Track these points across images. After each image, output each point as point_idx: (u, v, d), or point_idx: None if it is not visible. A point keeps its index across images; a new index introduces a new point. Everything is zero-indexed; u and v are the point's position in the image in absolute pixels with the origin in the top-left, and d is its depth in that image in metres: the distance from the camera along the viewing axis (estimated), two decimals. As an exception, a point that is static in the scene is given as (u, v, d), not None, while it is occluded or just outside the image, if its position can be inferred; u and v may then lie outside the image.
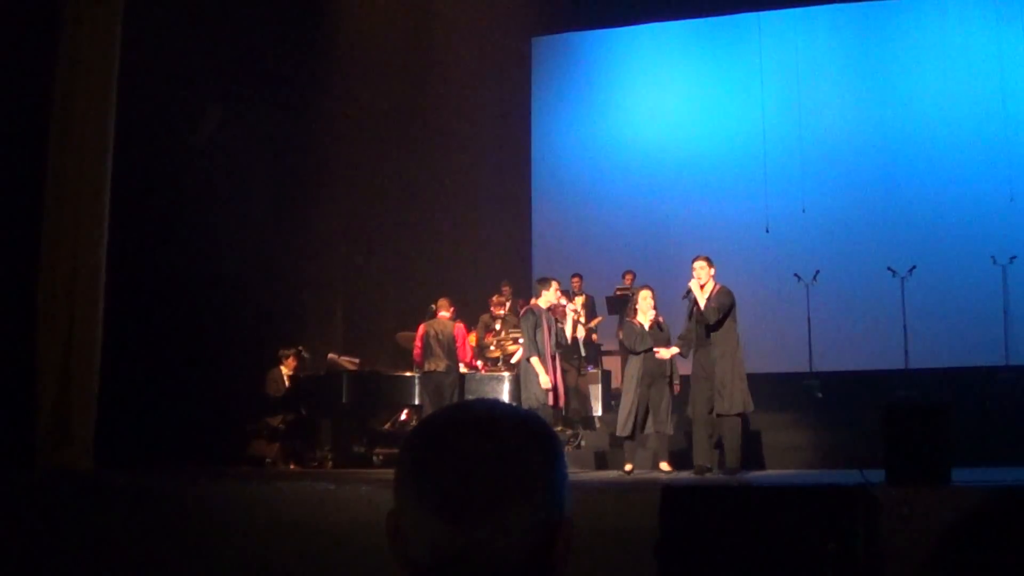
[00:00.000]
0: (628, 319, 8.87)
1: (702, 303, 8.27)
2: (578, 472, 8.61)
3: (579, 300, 11.50)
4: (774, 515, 2.94)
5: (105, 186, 8.81)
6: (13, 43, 8.60)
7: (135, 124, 9.31)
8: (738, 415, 8.08)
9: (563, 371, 9.12)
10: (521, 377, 8.71)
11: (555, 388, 8.53)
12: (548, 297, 8.75)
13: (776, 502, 3.05)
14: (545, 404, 8.38)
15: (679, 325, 9.27)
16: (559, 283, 9.10)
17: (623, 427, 8.50)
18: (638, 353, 8.59)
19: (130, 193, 9.28)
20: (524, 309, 9.08)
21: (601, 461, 9.64)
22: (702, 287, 8.32)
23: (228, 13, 10.76)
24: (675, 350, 8.63)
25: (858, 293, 12.21)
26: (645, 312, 8.64)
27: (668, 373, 8.62)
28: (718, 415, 8.10)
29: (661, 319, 8.77)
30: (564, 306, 9.07)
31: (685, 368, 8.96)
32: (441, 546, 1.02)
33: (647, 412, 8.52)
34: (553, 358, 8.61)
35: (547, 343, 8.53)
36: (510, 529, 1.02)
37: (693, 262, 8.47)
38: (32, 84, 8.76)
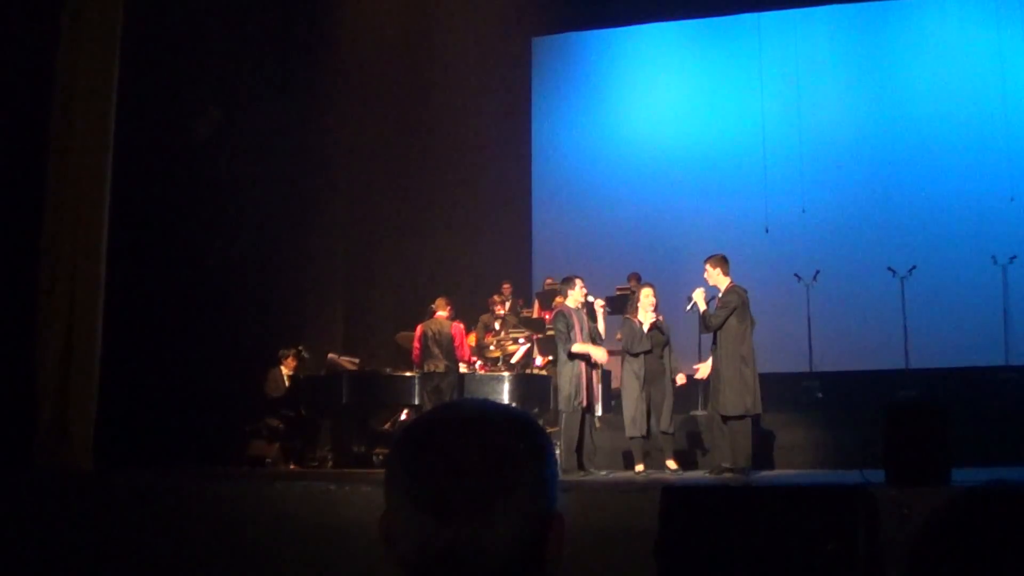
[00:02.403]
0: (628, 317, 8.75)
1: (701, 309, 8.22)
2: (596, 472, 8.56)
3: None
4: (774, 515, 2.93)
5: (105, 186, 8.81)
6: (14, 42, 8.60)
7: (135, 124, 9.31)
8: (740, 417, 7.98)
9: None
10: (555, 379, 8.58)
11: (590, 388, 8.47)
12: (575, 296, 8.67)
13: (776, 502, 3.04)
14: (578, 406, 8.27)
15: (678, 329, 9.25)
16: (583, 280, 9.07)
17: (633, 427, 8.39)
18: (635, 355, 8.50)
19: (130, 193, 9.28)
20: (554, 311, 9.02)
21: (629, 460, 9.56)
22: (716, 288, 8.27)
23: (228, 13, 10.76)
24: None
25: (858, 293, 12.20)
26: (646, 310, 8.56)
27: (667, 371, 8.57)
28: (722, 416, 8.03)
29: (661, 318, 8.67)
30: (592, 303, 9.00)
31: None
32: (430, 543, 1.03)
33: (649, 411, 8.45)
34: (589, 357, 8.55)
35: (579, 342, 8.47)
36: (498, 526, 1.03)
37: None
38: (32, 84, 8.76)
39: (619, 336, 9.21)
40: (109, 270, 8.79)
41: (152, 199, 10.12)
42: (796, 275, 11.94)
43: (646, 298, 8.59)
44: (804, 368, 11.71)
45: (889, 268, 11.57)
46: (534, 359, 11.02)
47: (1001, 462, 7.60)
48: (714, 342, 8.20)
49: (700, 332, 8.18)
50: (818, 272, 11.90)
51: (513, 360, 11.13)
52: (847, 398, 10.54)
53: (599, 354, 8.42)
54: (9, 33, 8.56)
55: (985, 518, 0.95)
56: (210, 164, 10.99)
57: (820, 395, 10.89)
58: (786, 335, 11.61)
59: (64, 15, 8.74)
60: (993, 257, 11.62)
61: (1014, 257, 11.57)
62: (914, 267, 11.46)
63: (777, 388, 10.23)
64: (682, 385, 8.73)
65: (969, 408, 9.08)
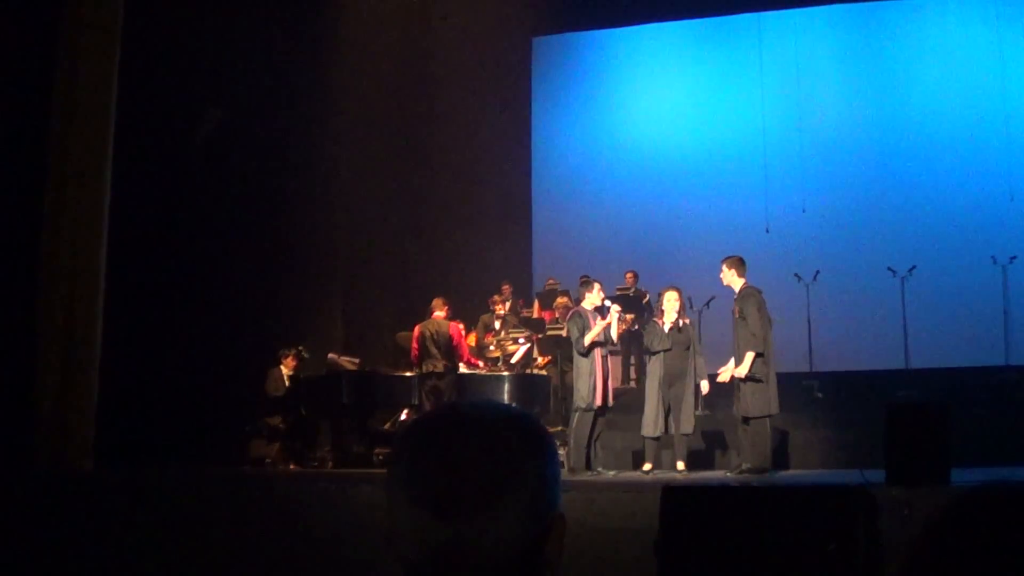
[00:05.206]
0: (655, 319, 8.94)
1: (743, 373, 8.06)
2: (605, 472, 8.56)
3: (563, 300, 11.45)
4: (774, 515, 2.94)
5: (105, 186, 8.81)
6: (13, 44, 8.60)
7: (135, 125, 9.30)
8: (762, 417, 7.97)
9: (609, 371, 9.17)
10: (574, 376, 8.71)
11: (605, 387, 8.56)
12: (592, 299, 8.81)
13: (776, 502, 3.05)
14: (592, 404, 8.39)
15: (707, 333, 9.28)
16: (602, 284, 9.17)
17: (651, 428, 8.51)
18: (655, 353, 8.63)
19: (130, 193, 9.28)
20: (571, 311, 9.13)
21: (638, 460, 9.57)
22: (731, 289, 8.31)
23: (228, 14, 10.76)
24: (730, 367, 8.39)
25: (858, 293, 12.21)
26: (669, 313, 8.67)
27: (690, 373, 8.60)
28: (744, 417, 8.05)
29: (686, 320, 8.77)
30: (608, 307, 9.08)
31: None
32: (431, 542, 1.03)
33: (668, 412, 8.53)
34: (605, 358, 8.65)
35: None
36: (499, 525, 1.04)
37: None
38: (32, 85, 8.76)
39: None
40: (109, 271, 8.79)
41: (152, 199, 10.12)
42: (796, 275, 11.93)
43: (668, 302, 8.70)
44: (804, 368, 11.71)
45: (889, 268, 11.56)
46: (534, 359, 11.02)
47: (1001, 462, 7.60)
48: (736, 345, 8.20)
49: (757, 349, 8.02)
50: (818, 272, 11.89)
51: (513, 360, 11.12)
52: (847, 398, 10.53)
53: (609, 320, 8.53)
54: (9, 35, 8.56)
55: (985, 518, 0.95)
56: (210, 164, 10.99)
57: (820, 395, 10.88)
58: (786, 335, 11.58)
59: (64, 15, 8.74)
60: (993, 257, 11.61)
61: (1014, 257, 11.56)
62: (914, 267, 11.46)
63: (777, 388, 10.22)
64: (706, 394, 8.77)
65: (969, 408, 9.07)
